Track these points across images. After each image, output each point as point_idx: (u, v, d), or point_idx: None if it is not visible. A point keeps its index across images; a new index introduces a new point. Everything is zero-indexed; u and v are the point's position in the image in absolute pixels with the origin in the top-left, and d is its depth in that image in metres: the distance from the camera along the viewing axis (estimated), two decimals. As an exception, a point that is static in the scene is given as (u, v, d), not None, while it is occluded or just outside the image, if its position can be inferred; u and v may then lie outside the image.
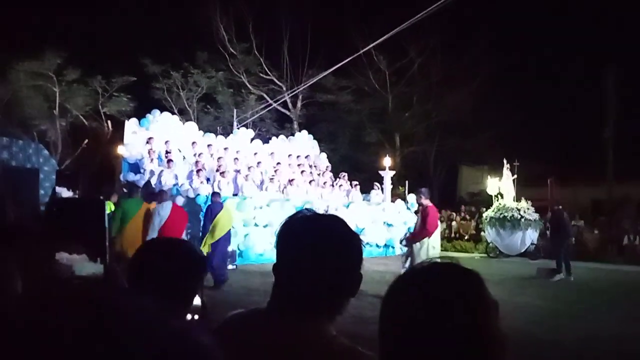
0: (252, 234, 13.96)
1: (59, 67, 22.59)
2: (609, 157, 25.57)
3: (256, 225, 14.14)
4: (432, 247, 8.68)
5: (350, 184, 18.11)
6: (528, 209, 16.96)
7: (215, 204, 10.19)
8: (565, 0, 25.58)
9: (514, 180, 17.78)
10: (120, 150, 16.60)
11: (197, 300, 1.85)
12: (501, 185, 17.79)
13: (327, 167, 19.46)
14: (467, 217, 22.31)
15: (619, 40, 25.11)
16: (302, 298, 1.21)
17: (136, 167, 16.05)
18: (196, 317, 1.84)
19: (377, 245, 17.03)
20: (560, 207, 13.21)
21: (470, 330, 0.96)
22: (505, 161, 17.85)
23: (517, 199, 17.43)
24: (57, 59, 22.22)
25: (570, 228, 12.94)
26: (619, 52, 25.21)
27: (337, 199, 16.73)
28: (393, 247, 17.45)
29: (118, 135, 18.94)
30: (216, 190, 14.61)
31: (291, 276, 1.24)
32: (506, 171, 17.78)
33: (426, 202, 8.75)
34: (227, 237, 10.20)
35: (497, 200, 17.59)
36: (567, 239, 12.58)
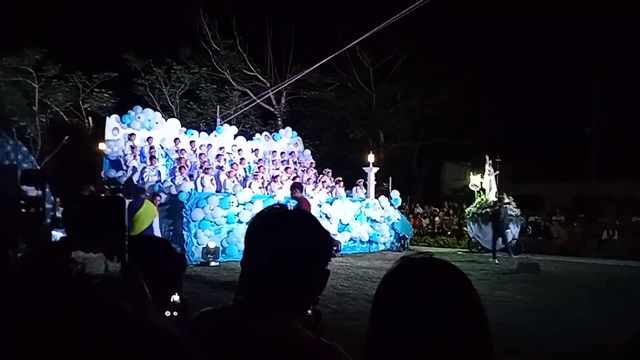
0: (235, 231, 13.92)
1: (39, 62, 22.21)
2: (591, 154, 26.01)
3: (240, 222, 14.09)
4: None
5: (334, 181, 18.14)
6: (509, 204, 17.14)
7: (137, 200, 10.33)
8: (550, 1, 25.85)
9: (496, 176, 17.97)
10: (102, 146, 16.41)
11: (177, 297, 1.85)
12: (484, 182, 17.98)
13: (311, 163, 19.46)
14: (451, 212, 22.51)
15: (602, 41, 25.49)
16: (268, 292, 1.21)
17: (118, 164, 15.89)
18: (175, 313, 1.84)
19: (361, 242, 17.09)
20: (503, 205, 15.53)
21: (466, 325, 0.99)
22: (487, 157, 18.03)
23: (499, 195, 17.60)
24: (36, 54, 21.85)
25: (505, 222, 15.31)
26: (602, 52, 25.62)
27: (321, 195, 16.75)
28: (377, 243, 17.53)
29: (99, 131, 18.68)
30: (199, 186, 14.57)
31: (258, 271, 1.24)
32: (488, 167, 17.97)
33: (299, 195, 8.80)
34: (147, 232, 10.30)
35: (480, 196, 17.77)
36: (502, 231, 15.06)
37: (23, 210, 1.04)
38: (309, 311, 1.39)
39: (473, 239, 17.67)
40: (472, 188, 18.30)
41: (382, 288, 1.07)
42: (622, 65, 25.10)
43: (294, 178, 16.99)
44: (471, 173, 19.21)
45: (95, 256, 0.93)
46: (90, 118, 24.42)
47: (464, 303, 1.01)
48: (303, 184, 9.30)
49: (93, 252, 0.93)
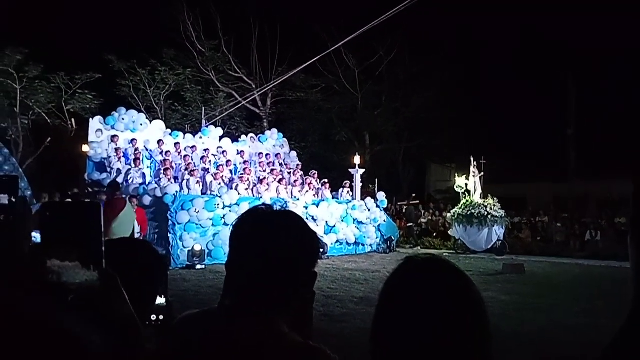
0: (221, 234, 13.83)
1: (20, 63, 21.90)
2: (571, 155, 26.36)
3: (226, 224, 14.01)
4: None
5: (320, 183, 18.13)
6: (494, 205, 17.26)
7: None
8: (530, 2, 26.16)
9: (480, 177, 18.10)
10: (85, 148, 16.23)
11: (162, 300, 1.81)
12: (468, 183, 18.10)
13: (297, 165, 19.44)
14: (436, 214, 22.62)
15: (581, 43, 25.85)
16: (253, 295, 1.18)
17: (102, 166, 15.73)
18: (161, 317, 1.81)
19: (347, 243, 17.10)
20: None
21: (471, 324, 1.01)
22: (472, 159, 18.16)
23: (484, 196, 17.74)
24: (17, 54, 21.54)
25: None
26: (581, 54, 25.97)
27: (307, 197, 16.73)
28: (363, 245, 17.56)
29: (82, 133, 18.46)
30: (184, 188, 14.47)
31: (243, 273, 1.21)
32: (473, 169, 18.09)
33: (116, 194, 8.41)
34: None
35: (465, 198, 17.88)
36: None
37: (48, 213, 1.02)
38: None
39: (459, 241, 17.76)
40: (457, 190, 18.41)
41: (388, 289, 1.07)
42: (600, 66, 25.52)
43: (280, 180, 16.97)
44: (456, 174, 19.33)
45: (72, 264, 0.90)
46: (73, 120, 24.14)
47: (469, 303, 1.03)
48: (110, 186, 8.89)
49: (69, 260, 0.90)
